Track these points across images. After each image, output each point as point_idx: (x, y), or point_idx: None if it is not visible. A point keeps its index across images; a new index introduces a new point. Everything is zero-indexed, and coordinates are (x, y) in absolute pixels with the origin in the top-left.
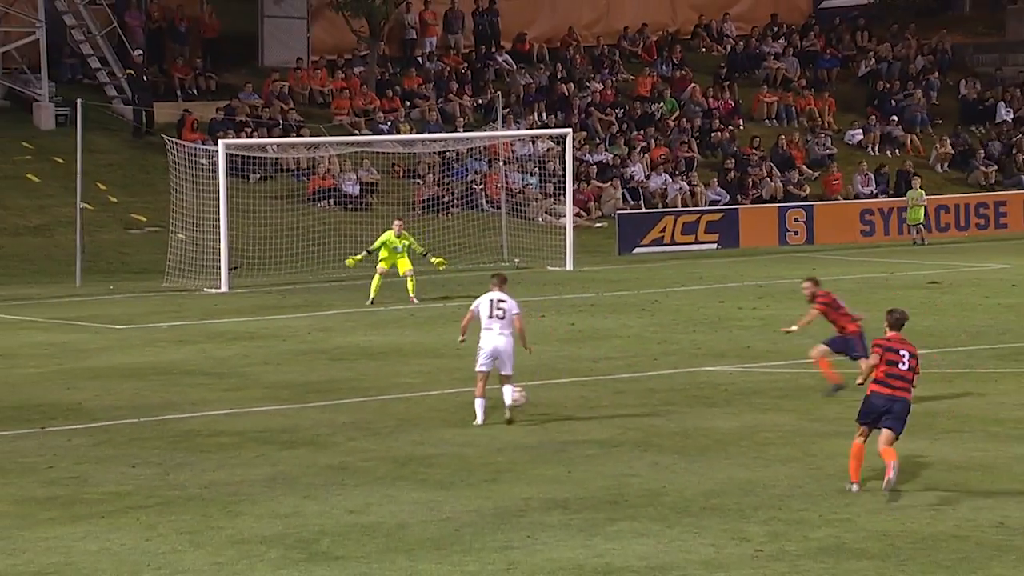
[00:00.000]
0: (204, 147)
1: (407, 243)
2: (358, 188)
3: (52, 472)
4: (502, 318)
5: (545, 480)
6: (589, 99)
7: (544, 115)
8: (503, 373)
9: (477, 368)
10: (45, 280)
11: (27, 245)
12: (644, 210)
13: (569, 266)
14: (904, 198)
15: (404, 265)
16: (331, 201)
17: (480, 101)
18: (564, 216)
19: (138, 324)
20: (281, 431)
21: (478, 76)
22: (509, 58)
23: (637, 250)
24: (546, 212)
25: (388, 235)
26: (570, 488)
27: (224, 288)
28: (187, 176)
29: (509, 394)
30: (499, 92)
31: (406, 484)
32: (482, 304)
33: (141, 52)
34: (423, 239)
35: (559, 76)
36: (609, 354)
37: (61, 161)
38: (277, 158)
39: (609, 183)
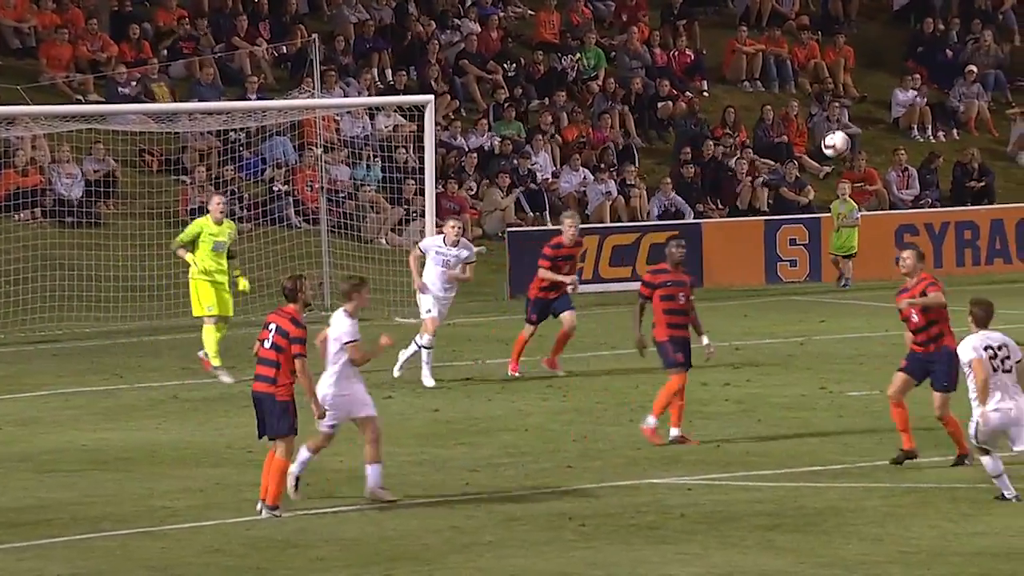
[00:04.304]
0: None
1: (231, 234)
2: (83, 190)
3: None
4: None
5: None
6: (461, 47)
7: (388, 73)
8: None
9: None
10: None
11: None
12: (551, 227)
13: None
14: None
15: (241, 281)
16: (37, 211)
17: (284, 49)
18: (421, 236)
19: None
20: None
21: (280, 8)
22: None
23: None
24: (392, 229)
25: (202, 222)
26: None
27: None
28: None
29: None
30: (315, 35)
31: None
32: None
33: None
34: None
35: (411, 9)
36: (496, 457)
37: None
38: None
39: (494, 183)
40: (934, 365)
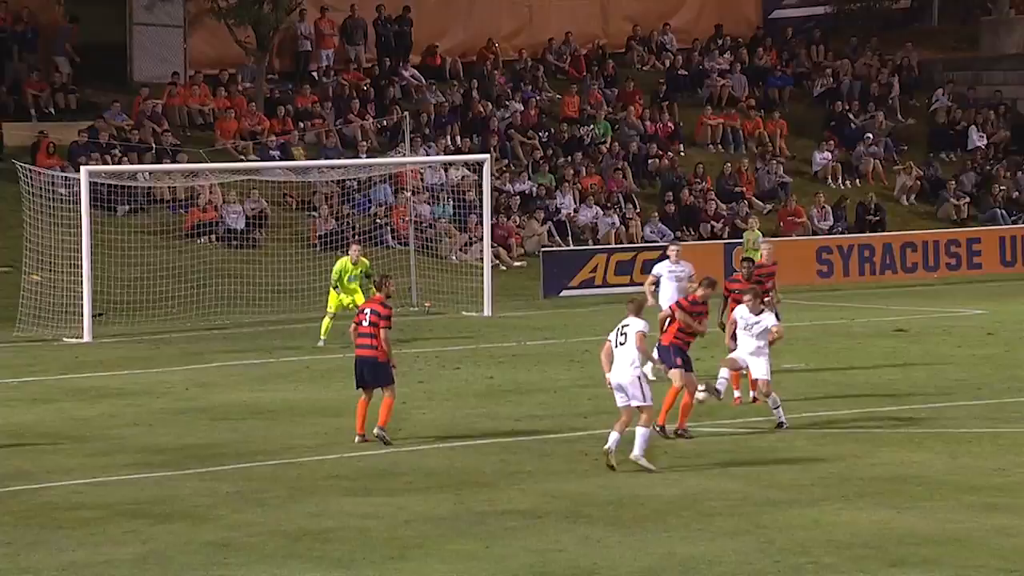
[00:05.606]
0: (63, 174)
1: (363, 271)
2: (244, 222)
3: None
4: (623, 344)
5: (459, 557)
6: (509, 121)
7: (458, 139)
8: (634, 406)
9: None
10: None
11: None
12: (572, 247)
13: (487, 311)
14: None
15: (359, 298)
16: (213, 237)
17: (384, 122)
18: (481, 254)
19: None
20: (154, 502)
21: (382, 94)
22: (417, 73)
23: (565, 293)
24: (460, 249)
25: (343, 263)
26: (488, 566)
27: (87, 337)
28: (43, 208)
29: (640, 442)
30: (406, 112)
31: (299, 563)
32: (613, 333)
33: None
34: (320, 279)
35: (475, 94)
36: (533, 411)
37: None
38: (149, 188)
39: (532, 216)
40: (688, 354)
